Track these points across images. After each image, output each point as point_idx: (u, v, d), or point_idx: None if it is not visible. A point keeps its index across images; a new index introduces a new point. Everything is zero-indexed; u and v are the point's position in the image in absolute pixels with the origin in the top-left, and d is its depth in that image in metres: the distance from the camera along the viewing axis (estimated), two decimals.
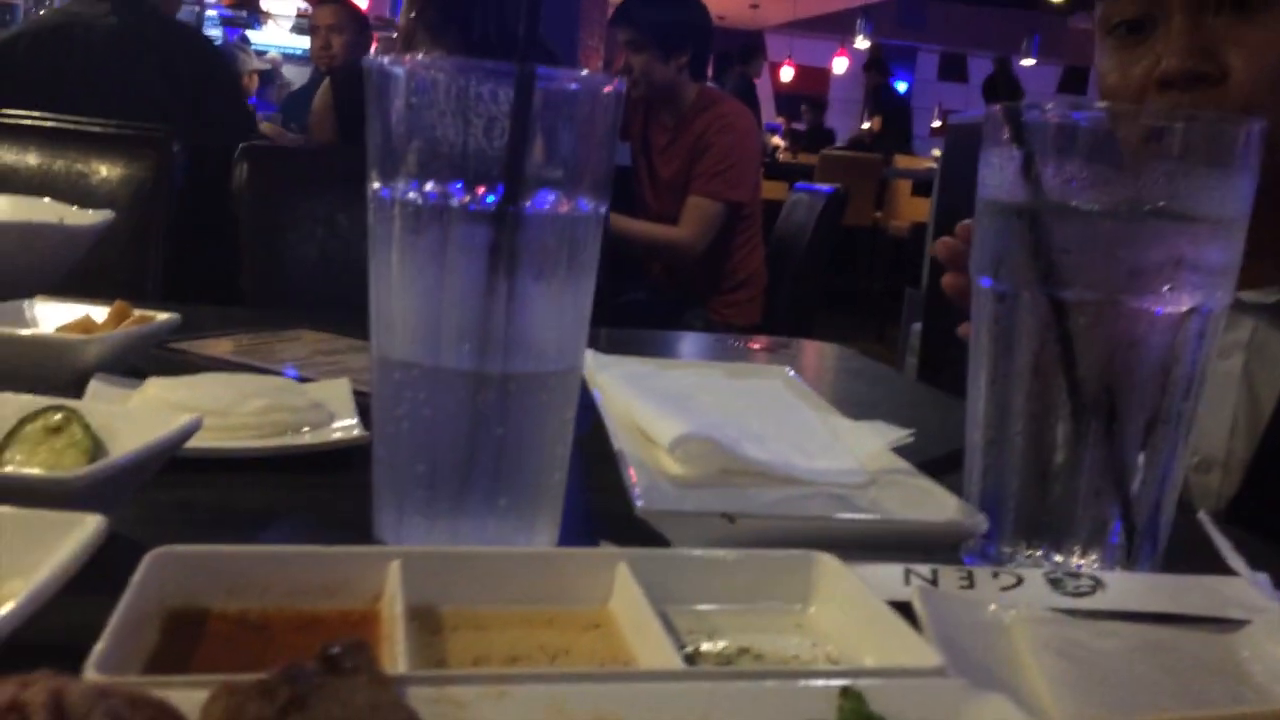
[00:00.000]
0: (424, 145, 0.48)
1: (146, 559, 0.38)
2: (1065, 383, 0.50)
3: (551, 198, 0.49)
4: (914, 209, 6.32)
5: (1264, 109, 0.86)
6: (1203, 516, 0.47)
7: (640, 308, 3.09)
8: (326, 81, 2.62)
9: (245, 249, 1.42)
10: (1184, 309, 0.48)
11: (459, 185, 0.48)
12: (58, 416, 0.52)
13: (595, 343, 1.23)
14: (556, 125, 0.49)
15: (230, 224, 1.47)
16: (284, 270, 1.43)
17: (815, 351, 1.15)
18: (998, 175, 0.52)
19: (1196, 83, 0.86)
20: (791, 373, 0.82)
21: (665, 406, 0.66)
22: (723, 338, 1.19)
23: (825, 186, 3.04)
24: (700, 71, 2.98)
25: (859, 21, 12.15)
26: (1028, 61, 11.69)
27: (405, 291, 0.49)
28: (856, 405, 0.93)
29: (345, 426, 0.65)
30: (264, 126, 3.58)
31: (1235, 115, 0.49)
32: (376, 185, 0.49)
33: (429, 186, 0.48)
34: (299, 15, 11.16)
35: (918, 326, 3.62)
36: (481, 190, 0.48)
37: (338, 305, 1.30)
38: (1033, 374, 0.51)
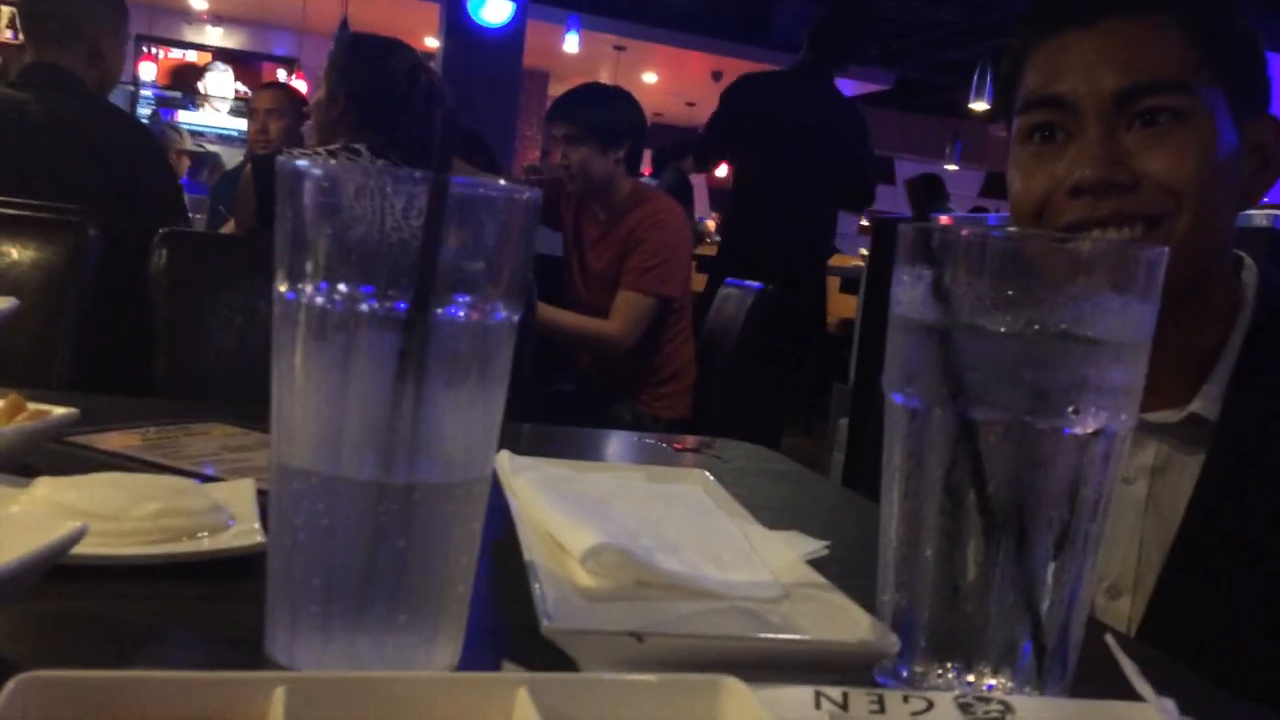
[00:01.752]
0: (333, 248, 0.47)
1: (10, 685, 0.36)
2: (976, 501, 0.50)
3: (464, 305, 0.48)
4: (842, 306, 6.45)
5: (1169, 216, 0.90)
6: (1110, 639, 0.47)
7: (569, 398, 3.08)
8: (248, 172, 2.61)
9: (160, 337, 1.38)
10: (1089, 430, 0.49)
11: (368, 290, 0.47)
12: None
13: (517, 440, 1.21)
14: (471, 233, 0.48)
15: (146, 311, 1.44)
16: (201, 360, 1.39)
17: (739, 453, 1.15)
18: (909, 292, 0.52)
19: (1109, 190, 0.89)
20: (710, 477, 0.81)
21: (580, 514, 0.64)
22: (646, 437, 1.19)
23: (755, 283, 3.09)
24: (635, 167, 3.03)
25: None
26: (950, 166, 12.14)
27: (307, 397, 0.47)
28: (778, 510, 0.92)
29: (245, 532, 0.62)
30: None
31: (1139, 243, 0.50)
32: (282, 287, 0.48)
33: (336, 291, 0.47)
34: (237, 98, 11.17)
35: (845, 422, 3.66)
36: (391, 296, 0.47)
37: (257, 398, 1.27)
38: (944, 491, 0.51)
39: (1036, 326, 0.49)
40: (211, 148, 8.98)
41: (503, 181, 0.49)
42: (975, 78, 9.43)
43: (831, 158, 3.84)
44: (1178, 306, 0.93)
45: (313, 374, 0.47)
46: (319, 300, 0.47)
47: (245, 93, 10.91)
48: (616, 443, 1.24)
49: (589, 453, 1.15)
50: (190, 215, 3.31)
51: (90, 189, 2.18)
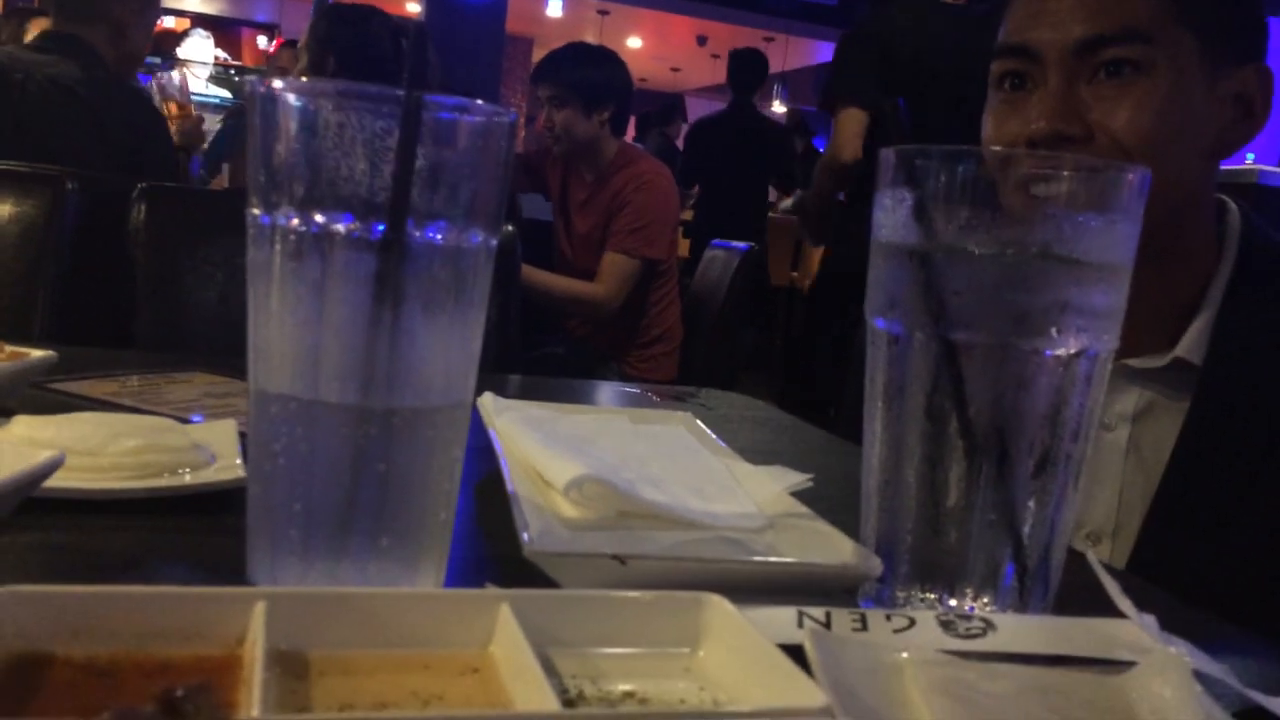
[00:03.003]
0: (307, 171, 0.46)
1: None
2: (958, 424, 0.50)
3: (440, 228, 0.47)
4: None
5: (1141, 161, 0.89)
6: (1091, 557, 0.47)
7: (556, 361, 3.08)
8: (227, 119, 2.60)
9: (141, 292, 1.37)
10: (1071, 352, 0.49)
11: (343, 213, 0.46)
12: None
13: (503, 388, 1.21)
14: (447, 155, 0.47)
15: (127, 266, 1.42)
16: (182, 314, 1.38)
17: (722, 400, 1.15)
18: (890, 217, 0.52)
19: (1061, 144, 0.89)
20: (694, 419, 0.81)
21: (563, 448, 0.64)
22: (632, 389, 1.18)
23: (741, 244, 3.08)
24: (621, 129, 3.01)
25: (776, 86, 12.46)
26: None
27: (284, 322, 0.47)
28: (760, 452, 0.92)
29: (225, 467, 0.62)
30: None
31: (1118, 164, 0.50)
32: (256, 212, 0.47)
33: (312, 214, 0.46)
34: (217, 63, 11.05)
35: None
36: (367, 219, 0.46)
37: (238, 351, 1.26)
38: (926, 416, 0.51)
39: (1016, 247, 0.48)
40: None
41: (480, 102, 0.49)
42: None
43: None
44: (1156, 254, 0.93)
45: (288, 298, 0.47)
46: (294, 223, 0.46)
47: (225, 59, 10.78)
48: (604, 392, 1.24)
49: (573, 401, 1.15)
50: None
51: (90, 158, 2.17)
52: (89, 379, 0.89)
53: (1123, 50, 0.89)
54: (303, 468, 0.47)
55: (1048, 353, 0.49)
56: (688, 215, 5.45)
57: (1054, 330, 0.48)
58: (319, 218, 0.46)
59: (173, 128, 3.31)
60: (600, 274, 2.87)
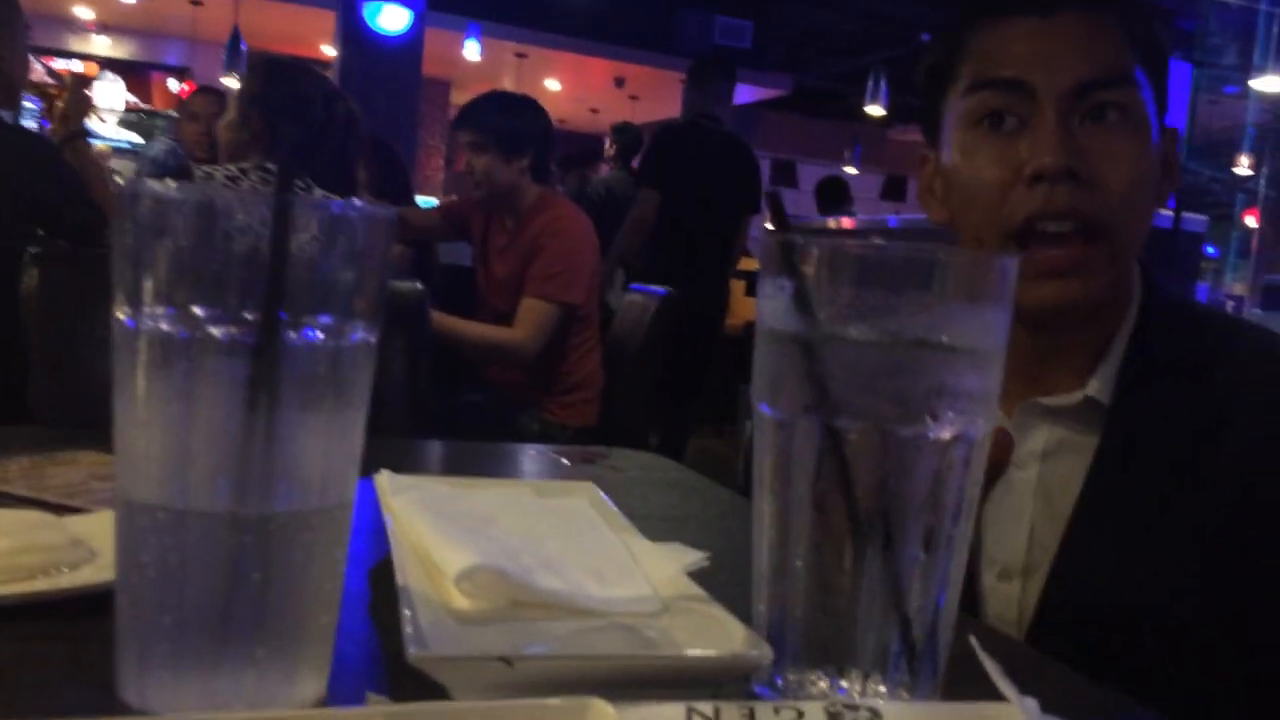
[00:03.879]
0: (173, 273, 0.45)
1: None
2: (843, 508, 0.50)
3: (318, 327, 0.47)
4: (747, 308, 6.51)
5: (1127, 212, 0.92)
6: (973, 640, 0.48)
7: (474, 409, 3.05)
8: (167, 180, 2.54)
9: (35, 362, 1.32)
10: (947, 436, 0.50)
11: (214, 314, 0.45)
12: None
13: (408, 455, 1.19)
14: (324, 252, 0.47)
15: (20, 333, 1.38)
16: (78, 385, 1.34)
17: (634, 462, 1.14)
18: (771, 304, 0.52)
19: (1068, 178, 0.90)
20: (597, 490, 0.81)
21: (457, 534, 0.63)
22: (541, 449, 1.18)
23: (659, 289, 3.09)
24: (541, 175, 3.02)
25: None
26: (850, 170, 12.36)
27: (151, 428, 0.46)
28: (667, 520, 0.92)
29: (105, 565, 0.60)
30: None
31: (988, 255, 0.51)
32: (121, 314, 0.46)
33: (179, 317, 0.45)
34: (128, 109, 10.82)
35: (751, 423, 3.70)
36: (239, 320, 0.45)
37: None
38: (812, 500, 0.51)
39: (893, 335, 0.49)
40: (113, 162, 8.66)
41: (358, 200, 0.48)
42: (870, 83, 9.64)
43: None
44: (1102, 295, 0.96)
45: (155, 404, 0.46)
46: (162, 326, 0.45)
47: (136, 103, 10.56)
48: (511, 457, 1.23)
49: (483, 468, 1.14)
50: None
51: None
52: None
53: (1115, 95, 0.91)
54: (173, 579, 0.45)
55: (927, 437, 0.50)
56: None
57: (930, 416, 0.49)
58: (188, 321, 0.45)
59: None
60: (518, 319, 2.86)
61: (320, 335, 0.47)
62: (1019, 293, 0.52)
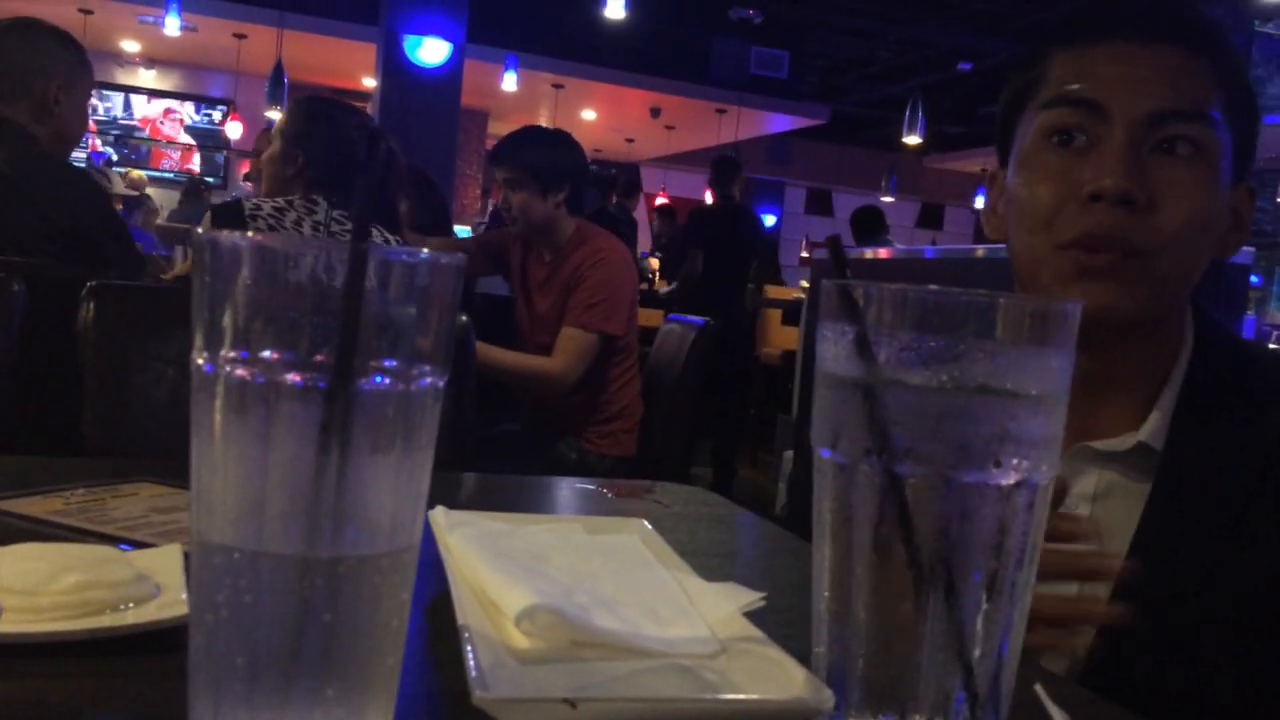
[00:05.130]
0: (250, 320, 0.46)
1: None
2: (904, 554, 0.50)
3: (388, 373, 0.47)
4: (784, 337, 6.50)
5: (1177, 246, 0.91)
6: (1039, 689, 0.48)
7: (512, 438, 3.07)
8: (208, 215, 2.58)
9: (89, 391, 1.35)
10: (1011, 482, 0.50)
11: (288, 361, 0.46)
12: None
13: (457, 491, 1.20)
14: (393, 300, 0.48)
15: (72, 364, 1.40)
16: (131, 414, 1.36)
17: (679, 497, 1.15)
18: (832, 349, 0.53)
19: (1126, 204, 0.90)
20: (648, 527, 0.81)
21: (514, 572, 0.64)
22: (587, 483, 1.18)
23: (696, 319, 3.10)
24: (577, 208, 3.04)
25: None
26: (887, 198, 12.34)
27: (227, 471, 0.47)
28: (717, 556, 0.92)
29: (170, 602, 0.61)
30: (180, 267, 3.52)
31: (1052, 300, 0.51)
32: (200, 360, 0.47)
33: (255, 362, 0.46)
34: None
35: (789, 454, 3.69)
36: (312, 366, 0.46)
37: (188, 452, 1.24)
38: (873, 546, 0.52)
39: (956, 380, 0.49)
40: (150, 190, 8.84)
41: (425, 251, 0.49)
42: (908, 112, 9.63)
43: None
44: (1136, 339, 0.95)
45: (232, 448, 0.47)
46: (238, 372, 0.46)
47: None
48: (556, 490, 1.24)
49: (528, 502, 1.14)
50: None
51: (30, 242, 2.13)
52: (32, 495, 0.87)
53: (1187, 129, 0.91)
54: (246, 619, 0.46)
55: (990, 483, 0.50)
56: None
57: (994, 462, 0.49)
58: (263, 366, 0.46)
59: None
60: (557, 349, 2.88)
61: (390, 380, 0.48)
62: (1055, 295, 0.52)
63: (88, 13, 9.92)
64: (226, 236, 0.47)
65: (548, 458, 2.94)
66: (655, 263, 8.86)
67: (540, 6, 10.40)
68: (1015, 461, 0.49)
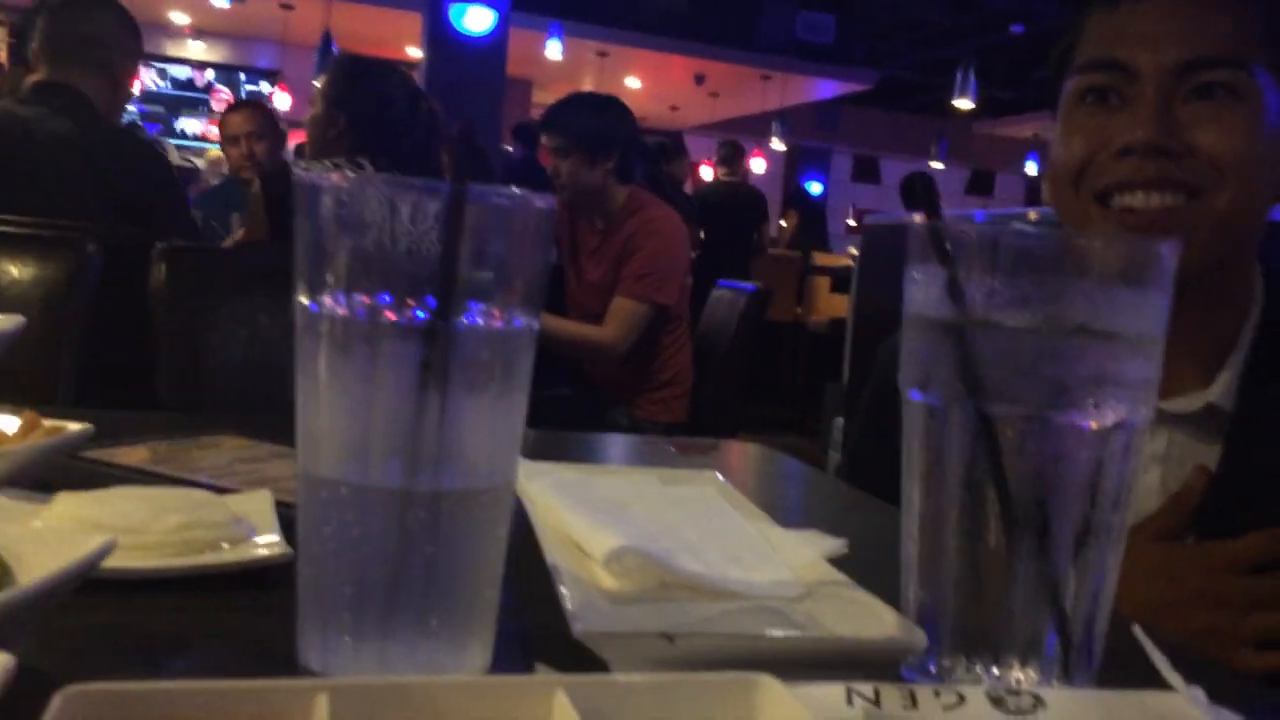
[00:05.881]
0: (352, 260, 0.47)
1: (56, 700, 0.36)
2: (997, 497, 0.51)
3: (484, 313, 0.48)
4: (832, 305, 6.47)
5: (1223, 184, 0.91)
6: (1137, 629, 0.48)
7: (564, 404, 3.08)
8: (258, 187, 2.61)
9: (163, 351, 1.38)
10: (1109, 424, 0.49)
11: (388, 301, 0.47)
12: None
13: (522, 445, 1.21)
14: (488, 241, 0.48)
15: (147, 324, 1.44)
16: (204, 373, 1.39)
17: (741, 454, 1.15)
18: (923, 291, 0.53)
19: (1158, 154, 0.90)
20: (722, 478, 0.82)
21: (599, 517, 0.65)
22: (649, 440, 1.19)
23: (747, 284, 3.09)
24: (627, 176, 3.03)
25: (775, 124, 12.56)
26: (936, 165, 12.17)
27: (333, 408, 0.48)
28: (786, 510, 0.93)
29: (267, 543, 0.63)
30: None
31: (1150, 240, 0.51)
32: (304, 300, 0.48)
33: (357, 302, 0.47)
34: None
35: (839, 421, 3.68)
36: (412, 305, 0.47)
37: (260, 408, 1.27)
38: (964, 488, 0.52)
39: (1052, 322, 0.49)
40: (196, 160, 8.93)
41: (516, 190, 0.50)
42: (959, 76, 9.47)
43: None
44: (1199, 291, 0.94)
45: (336, 385, 0.48)
46: (340, 311, 0.47)
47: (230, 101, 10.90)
48: (620, 446, 1.25)
49: (594, 457, 1.15)
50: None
51: (93, 208, 2.18)
52: (120, 446, 0.89)
53: (1221, 75, 0.91)
54: (352, 550, 0.47)
55: (1086, 425, 0.49)
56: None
57: (1092, 403, 0.49)
58: (365, 306, 0.47)
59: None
60: (609, 318, 2.88)
61: (487, 320, 0.48)
62: None
63: None
64: (328, 179, 0.48)
65: (599, 424, 2.96)
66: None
67: None
68: (1113, 403, 0.49)
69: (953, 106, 9.84)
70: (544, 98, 12.52)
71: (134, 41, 2.56)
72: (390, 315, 0.47)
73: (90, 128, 2.31)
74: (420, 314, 0.47)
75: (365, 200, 0.47)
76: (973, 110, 10.39)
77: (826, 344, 6.18)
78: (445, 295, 0.47)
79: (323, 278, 0.48)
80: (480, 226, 0.48)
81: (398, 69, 2.69)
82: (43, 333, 1.23)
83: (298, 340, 0.49)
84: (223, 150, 4.80)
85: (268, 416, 1.14)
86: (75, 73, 2.38)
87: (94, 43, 2.43)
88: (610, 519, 0.64)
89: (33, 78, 2.41)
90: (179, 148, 9.76)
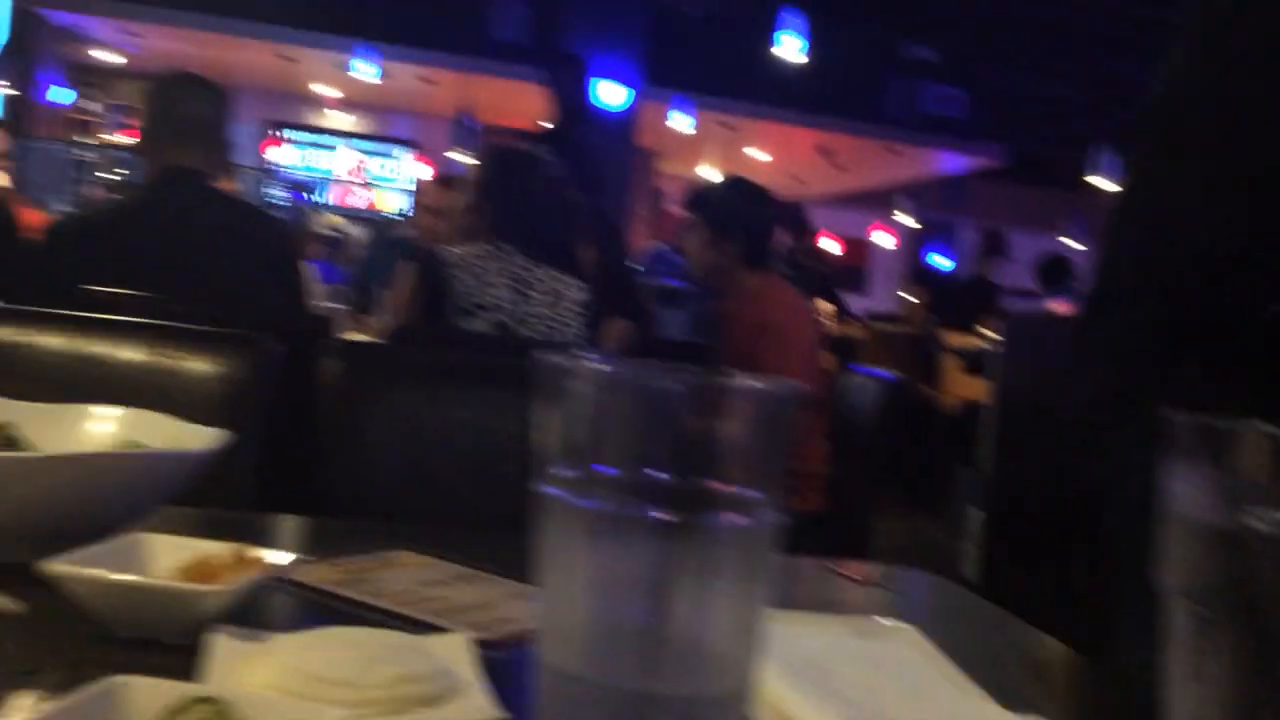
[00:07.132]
0: (600, 450, 0.47)
1: None
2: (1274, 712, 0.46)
3: (731, 510, 0.47)
4: (964, 387, 6.31)
5: None
6: None
7: None
8: (415, 267, 2.69)
9: (326, 450, 1.42)
10: None
11: (636, 491, 0.46)
12: (206, 708, 0.50)
13: None
14: (735, 433, 0.47)
15: (310, 420, 1.48)
16: (365, 472, 1.42)
17: (915, 585, 1.11)
18: (1191, 490, 0.49)
19: None
20: (920, 636, 0.78)
21: (806, 685, 0.62)
22: (817, 564, 1.16)
23: (885, 373, 3.04)
24: (756, 260, 3.02)
25: (901, 199, 12.46)
26: (1067, 240, 11.80)
27: (575, 602, 0.47)
28: (984, 666, 0.88)
29: (476, 702, 0.62)
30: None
31: None
32: (551, 484, 0.48)
33: (606, 494, 0.46)
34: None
35: (977, 513, 3.56)
36: (661, 500, 0.46)
37: (425, 517, 1.29)
38: (1234, 703, 0.48)
39: None
40: (343, 224, 9.31)
41: (770, 382, 0.48)
42: (1092, 152, 9.25)
43: None
44: None
45: (579, 578, 0.47)
46: (588, 503, 0.47)
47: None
48: (786, 569, 1.22)
49: None
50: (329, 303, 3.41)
51: (256, 295, 2.25)
52: (309, 564, 0.91)
53: None
54: None
55: None
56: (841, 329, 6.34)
57: None
58: (613, 498, 0.46)
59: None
60: None
61: (736, 517, 0.47)
62: None
63: (290, 60, 10.61)
64: (586, 364, 0.48)
65: None
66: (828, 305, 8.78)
67: (712, 48, 10.51)
68: None
69: (1086, 183, 9.59)
70: (668, 168, 12.70)
71: (230, 122, 2.56)
72: (638, 507, 0.46)
73: (222, 209, 2.37)
74: (669, 508, 0.46)
75: (621, 386, 0.47)
76: (1110, 189, 10.12)
77: (956, 426, 6.03)
78: (695, 489, 0.46)
79: (569, 468, 0.47)
80: (728, 418, 0.47)
81: (543, 160, 2.77)
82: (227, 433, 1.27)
83: (545, 527, 0.48)
84: (418, 215, 5.10)
85: (434, 526, 1.15)
86: (199, 156, 2.36)
87: (213, 126, 2.43)
88: (819, 689, 0.62)
89: (155, 161, 2.39)
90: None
